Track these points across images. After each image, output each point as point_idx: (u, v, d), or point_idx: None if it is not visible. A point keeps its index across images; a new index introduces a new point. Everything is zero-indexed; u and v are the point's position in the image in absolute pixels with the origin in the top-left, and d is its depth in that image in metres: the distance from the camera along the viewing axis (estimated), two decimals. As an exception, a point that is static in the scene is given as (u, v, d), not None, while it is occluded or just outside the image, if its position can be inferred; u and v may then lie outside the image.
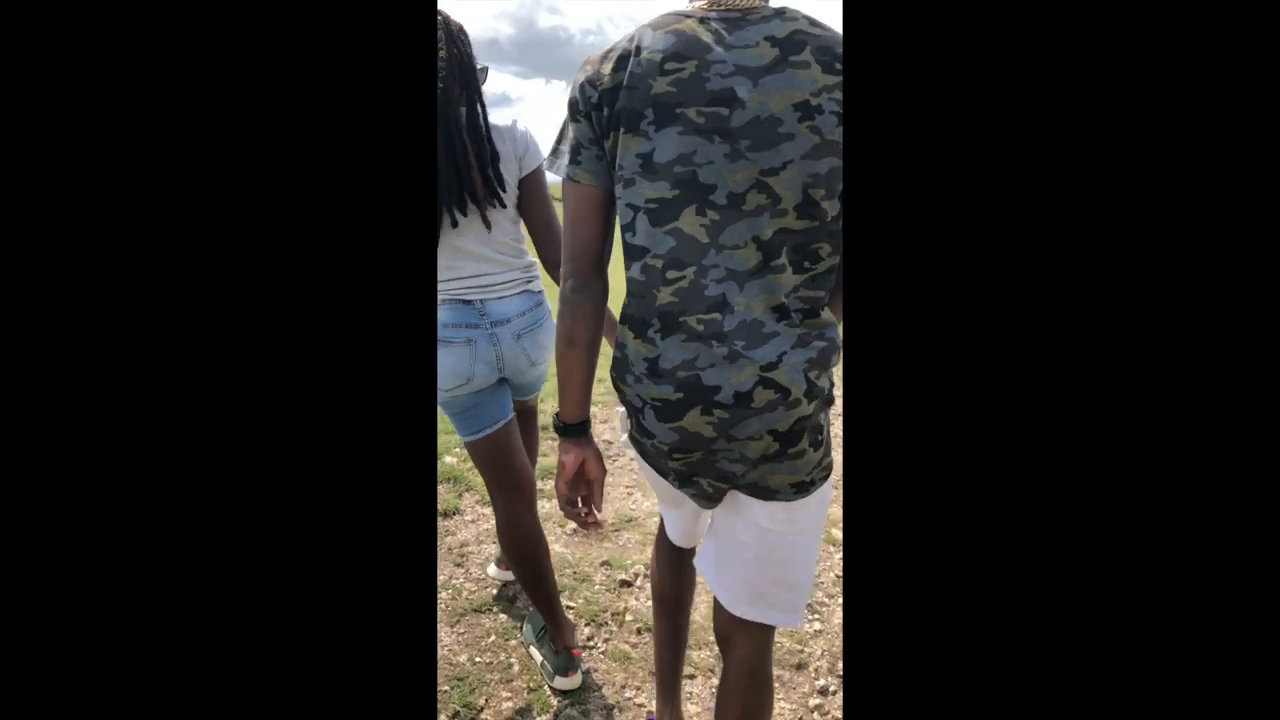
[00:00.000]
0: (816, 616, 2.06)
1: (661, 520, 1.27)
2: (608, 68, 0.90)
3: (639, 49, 0.89)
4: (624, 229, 0.92)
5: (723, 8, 0.90)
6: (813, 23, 0.89)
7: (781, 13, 0.89)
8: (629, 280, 0.93)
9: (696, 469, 0.97)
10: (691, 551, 1.29)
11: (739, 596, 1.07)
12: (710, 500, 1.02)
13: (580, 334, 0.97)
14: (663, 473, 1.02)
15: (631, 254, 0.91)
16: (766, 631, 1.10)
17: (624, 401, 0.98)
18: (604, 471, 1.06)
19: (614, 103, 0.89)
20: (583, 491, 1.08)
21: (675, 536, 1.25)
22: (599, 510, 1.09)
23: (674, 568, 1.29)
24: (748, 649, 1.09)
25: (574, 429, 1.03)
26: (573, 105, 0.94)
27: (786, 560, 1.03)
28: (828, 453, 1.00)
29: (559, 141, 0.97)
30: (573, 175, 0.94)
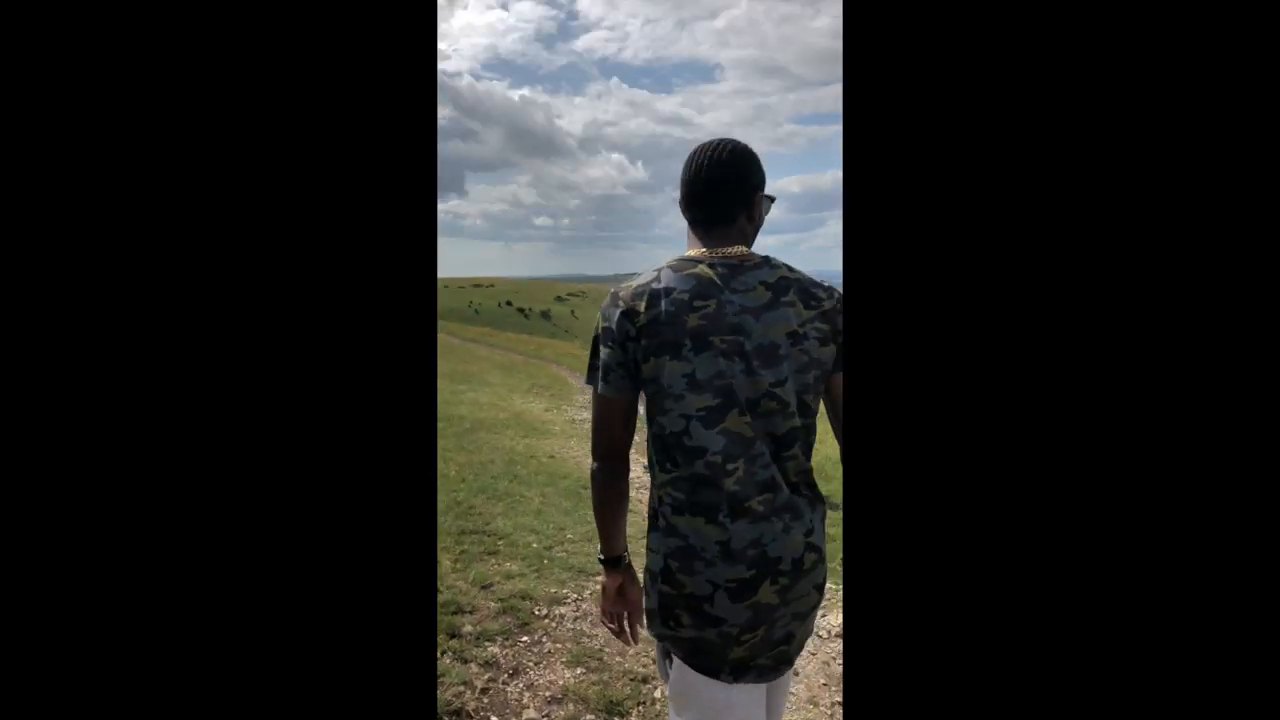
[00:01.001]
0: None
1: None
2: (642, 305, 1.10)
3: (668, 290, 1.10)
4: (680, 435, 1.09)
5: (720, 256, 1.13)
6: (789, 269, 1.14)
7: (768, 260, 1.14)
8: (690, 477, 1.09)
9: (758, 649, 1.11)
10: None
11: None
12: (772, 673, 1.16)
13: (612, 497, 1.20)
14: (717, 670, 1.11)
15: (691, 454, 1.08)
16: None
17: (680, 598, 1.10)
18: (641, 595, 1.25)
19: (654, 335, 1.09)
20: (622, 609, 1.28)
21: None
22: (642, 627, 1.27)
23: None
24: None
25: (615, 560, 1.24)
26: (608, 333, 1.13)
27: None
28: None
29: (593, 358, 1.17)
30: (604, 392, 1.14)
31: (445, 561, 2.93)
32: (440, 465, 4.55)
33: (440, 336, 18.46)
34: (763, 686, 1.16)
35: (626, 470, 1.21)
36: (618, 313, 1.12)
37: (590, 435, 1.21)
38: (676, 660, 1.14)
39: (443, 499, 3.81)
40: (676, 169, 1.24)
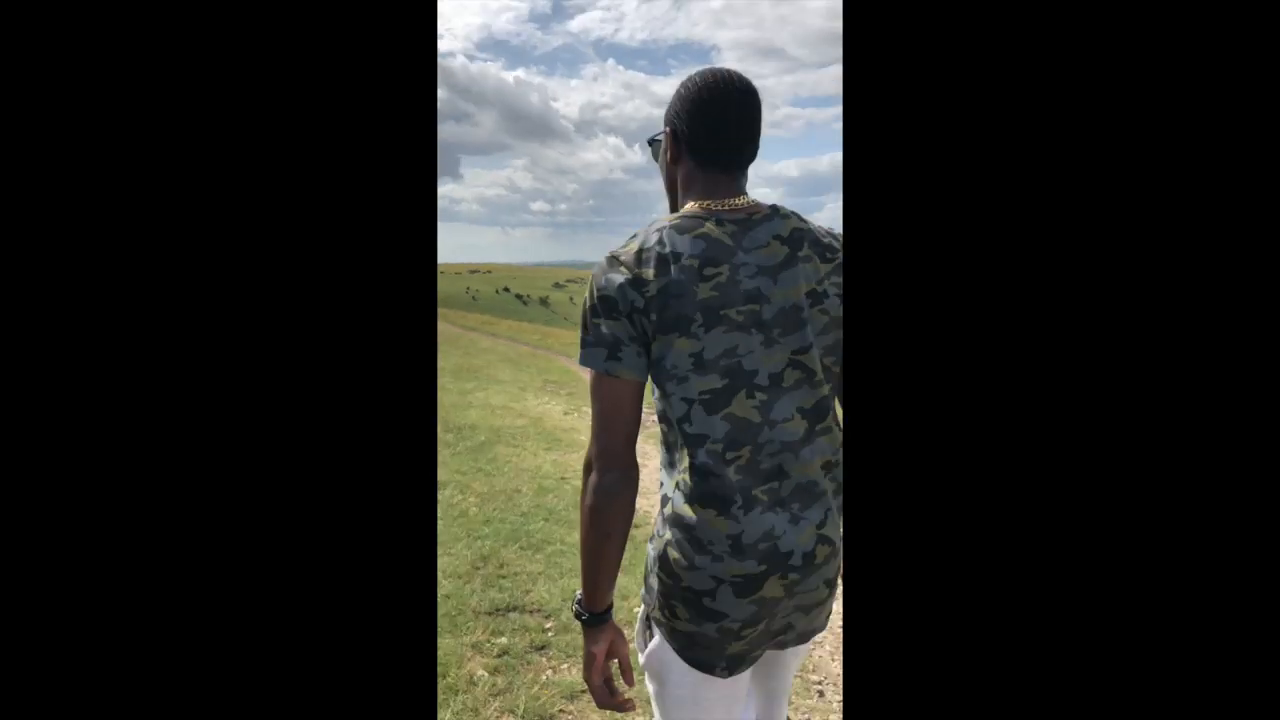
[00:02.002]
0: None
1: None
2: (649, 271, 0.95)
3: (675, 255, 0.96)
4: (679, 421, 0.97)
5: (726, 209, 1.00)
6: (799, 218, 1.02)
7: (776, 210, 1.02)
8: (695, 467, 0.97)
9: (758, 641, 1.01)
10: None
11: (777, 712, 1.22)
12: (752, 663, 1.06)
13: (620, 525, 0.98)
14: (710, 665, 1.01)
15: (692, 442, 0.97)
16: None
17: (678, 590, 0.98)
18: (626, 643, 1.07)
19: (663, 308, 0.94)
20: (609, 674, 1.09)
21: None
22: (631, 683, 1.09)
23: None
24: None
25: (602, 615, 1.04)
26: (609, 303, 0.96)
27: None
28: None
29: (589, 332, 0.98)
30: (614, 370, 0.95)
31: (479, 669, 2.09)
32: (458, 497, 3.70)
33: (441, 325, 17.64)
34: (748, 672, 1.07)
35: (637, 479, 0.99)
36: (621, 279, 0.96)
37: (592, 434, 0.96)
38: (659, 638, 1.04)
39: (468, 551, 2.96)
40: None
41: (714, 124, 1.00)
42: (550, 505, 3.63)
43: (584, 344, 0.98)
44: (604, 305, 0.96)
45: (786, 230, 0.99)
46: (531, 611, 2.49)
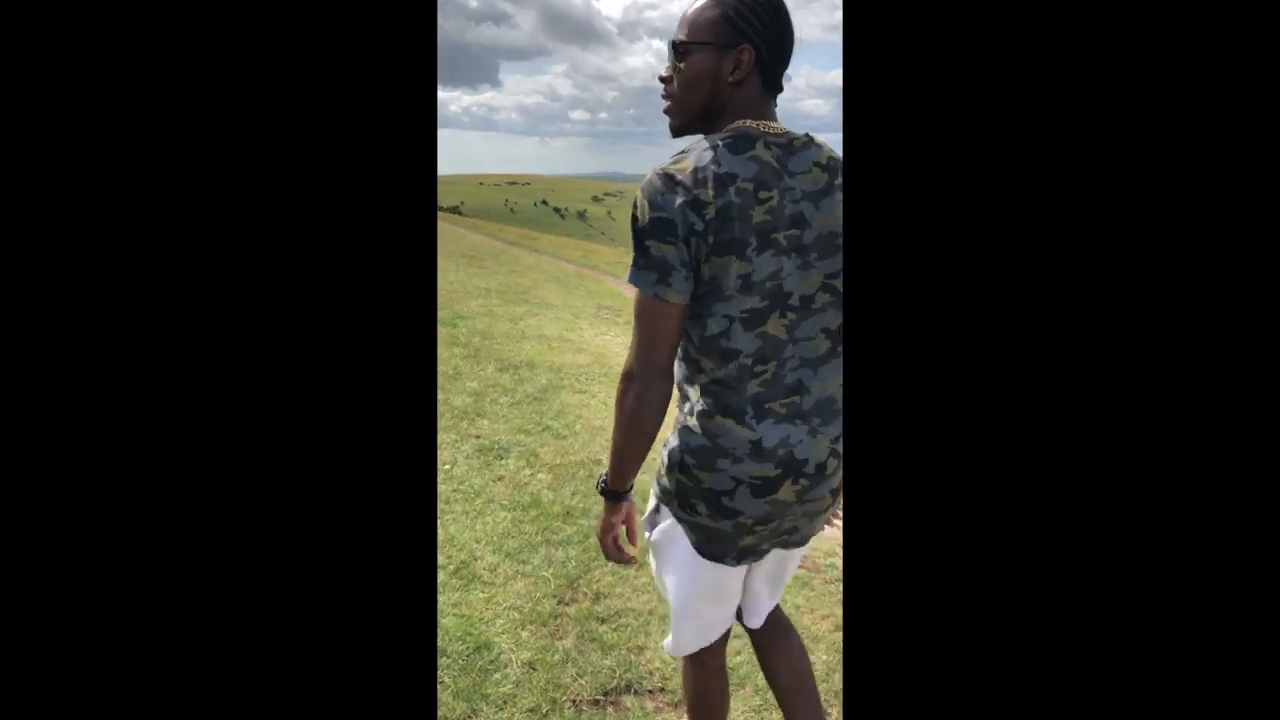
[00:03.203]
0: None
1: (696, 654, 1.28)
2: (708, 193, 0.96)
3: (731, 176, 0.97)
4: (719, 336, 1.01)
5: (771, 132, 1.02)
6: (830, 149, 1.07)
7: (811, 138, 1.05)
8: (719, 379, 1.03)
9: (765, 538, 1.10)
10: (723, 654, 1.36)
11: (775, 600, 1.30)
12: (758, 556, 1.15)
13: (655, 429, 1.04)
14: (721, 556, 1.10)
15: (727, 355, 1.02)
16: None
17: (699, 490, 1.06)
18: (636, 513, 1.19)
19: (720, 230, 0.96)
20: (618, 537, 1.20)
21: (720, 624, 1.25)
22: (634, 542, 1.20)
23: (723, 672, 1.34)
24: (787, 622, 1.37)
25: (625, 493, 1.14)
26: (668, 225, 0.96)
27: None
28: None
29: (642, 255, 0.99)
30: (662, 295, 0.98)
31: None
32: (525, 472, 2.88)
33: (479, 239, 16.74)
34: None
35: (671, 391, 1.04)
36: (679, 200, 0.96)
37: (635, 350, 1.01)
38: (669, 521, 1.13)
39: (548, 570, 2.14)
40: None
41: (789, 48, 1.04)
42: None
43: (635, 264, 0.99)
44: (660, 226, 0.97)
45: (824, 158, 1.04)
46: (651, 693, 1.68)
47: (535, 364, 4.67)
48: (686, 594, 1.16)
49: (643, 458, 1.07)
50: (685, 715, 1.38)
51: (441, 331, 5.00)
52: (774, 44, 1.01)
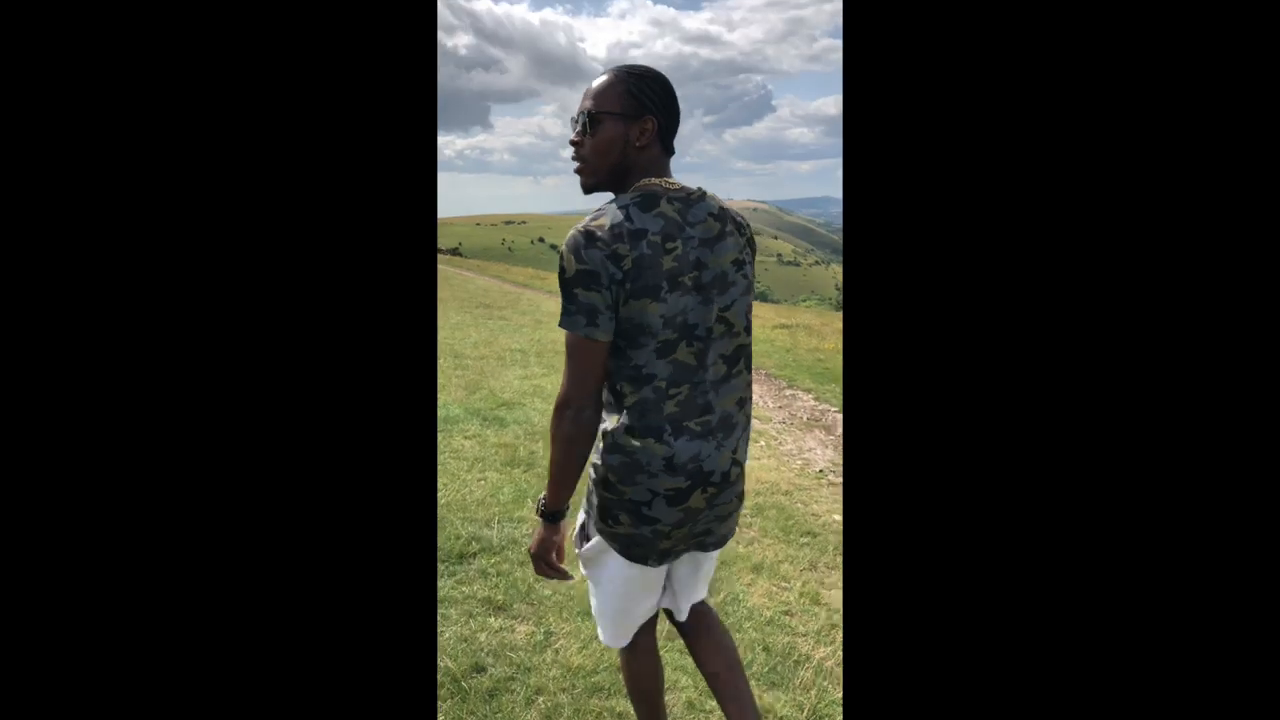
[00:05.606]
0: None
1: (630, 639, 1.46)
2: (624, 248, 1.13)
3: (642, 231, 1.15)
4: (639, 366, 1.18)
5: (670, 189, 1.21)
6: (717, 199, 1.27)
7: (705, 194, 1.25)
8: (639, 401, 1.19)
9: (682, 540, 1.28)
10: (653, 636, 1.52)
11: (699, 595, 1.47)
12: (676, 556, 1.33)
13: (588, 449, 1.22)
14: (644, 558, 1.28)
15: (641, 379, 1.18)
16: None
17: (621, 502, 1.23)
18: (565, 535, 1.32)
19: (638, 278, 1.14)
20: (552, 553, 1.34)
21: (646, 613, 1.43)
22: (562, 559, 1.32)
23: (654, 650, 1.52)
24: (712, 613, 1.51)
25: (562, 513, 1.28)
26: (592, 276, 1.13)
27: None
28: None
29: (571, 302, 1.15)
30: (591, 335, 1.15)
31: None
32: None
33: (487, 282, 16.55)
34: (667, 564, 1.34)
35: (600, 415, 1.22)
36: (600, 255, 1.13)
37: (568, 382, 1.18)
38: (597, 539, 1.31)
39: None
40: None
41: (678, 118, 1.25)
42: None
43: (565, 311, 1.16)
44: (586, 277, 1.14)
45: (715, 209, 1.24)
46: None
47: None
48: (620, 593, 1.36)
49: (578, 476, 1.23)
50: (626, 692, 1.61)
51: (489, 435, 3.95)
52: (669, 114, 1.23)
